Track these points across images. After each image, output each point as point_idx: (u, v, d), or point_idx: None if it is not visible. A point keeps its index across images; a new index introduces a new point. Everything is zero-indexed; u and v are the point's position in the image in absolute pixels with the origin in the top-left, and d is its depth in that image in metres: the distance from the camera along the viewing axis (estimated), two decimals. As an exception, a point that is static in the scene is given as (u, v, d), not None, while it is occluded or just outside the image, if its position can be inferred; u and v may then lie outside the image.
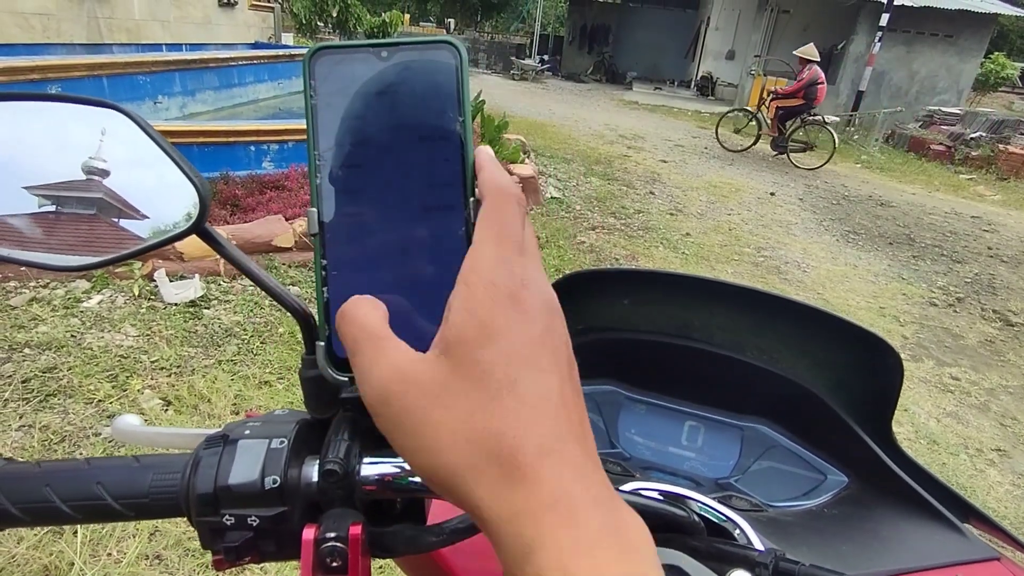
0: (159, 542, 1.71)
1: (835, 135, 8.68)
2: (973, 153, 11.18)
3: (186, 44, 7.73)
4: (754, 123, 9.51)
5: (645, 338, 0.73)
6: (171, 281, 2.95)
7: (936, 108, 13.83)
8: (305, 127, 0.34)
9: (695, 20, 20.34)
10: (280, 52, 8.63)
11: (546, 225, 4.86)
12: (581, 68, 21.39)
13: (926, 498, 0.60)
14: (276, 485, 0.33)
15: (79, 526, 1.69)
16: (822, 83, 8.64)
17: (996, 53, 17.46)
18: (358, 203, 0.34)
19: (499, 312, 0.25)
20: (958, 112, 13.32)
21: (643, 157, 8.41)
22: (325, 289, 0.34)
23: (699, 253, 4.88)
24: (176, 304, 2.87)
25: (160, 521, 1.75)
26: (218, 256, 2.62)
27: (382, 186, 0.34)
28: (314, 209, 0.34)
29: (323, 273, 0.34)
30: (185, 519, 0.34)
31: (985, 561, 0.55)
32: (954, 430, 2.94)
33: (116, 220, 0.40)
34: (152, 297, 2.91)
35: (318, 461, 0.35)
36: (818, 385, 0.67)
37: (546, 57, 21.54)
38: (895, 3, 13.05)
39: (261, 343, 2.72)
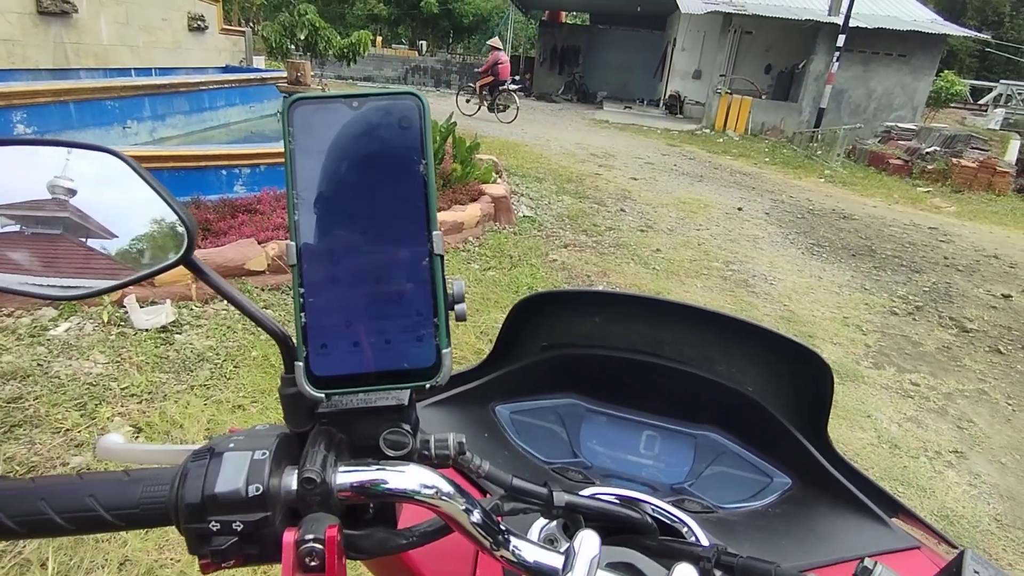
0: (129, 571, 1.69)
1: (517, 100, 12.74)
2: (929, 167, 11.62)
3: (156, 68, 7.70)
4: (477, 97, 13.35)
5: (604, 353, 0.78)
6: (142, 307, 2.93)
7: (893, 124, 14.37)
8: (283, 161, 0.39)
9: (662, 41, 20.89)
10: (251, 75, 8.64)
11: (519, 244, 4.92)
12: (552, 88, 21.73)
13: (857, 496, 0.66)
14: (259, 492, 0.36)
15: (49, 549, 1.67)
16: (502, 63, 12.50)
17: (946, 71, 18.26)
18: (332, 236, 0.39)
19: None
20: (914, 128, 13.86)
21: (614, 175, 8.58)
22: (303, 314, 0.39)
23: (669, 269, 4.99)
24: (147, 330, 2.85)
25: (131, 551, 1.73)
26: (190, 281, 2.66)
27: (353, 221, 0.40)
28: (292, 243, 0.39)
29: (301, 300, 0.39)
30: (173, 527, 0.37)
31: (907, 550, 0.61)
32: (914, 434, 3.05)
33: (110, 253, 0.44)
34: (122, 324, 2.89)
35: (297, 470, 0.38)
36: (762, 395, 0.73)
37: (517, 77, 21.84)
38: (851, 25, 13.61)
39: (234, 367, 2.71)
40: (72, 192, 0.42)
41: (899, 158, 12.27)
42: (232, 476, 0.36)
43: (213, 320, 3.04)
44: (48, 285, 0.43)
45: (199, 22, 8.75)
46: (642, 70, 21.86)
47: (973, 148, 12.15)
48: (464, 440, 0.42)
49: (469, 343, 3.16)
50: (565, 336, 0.79)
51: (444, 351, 0.40)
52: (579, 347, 0.79)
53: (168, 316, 2.93)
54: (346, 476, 0.38)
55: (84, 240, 0.43)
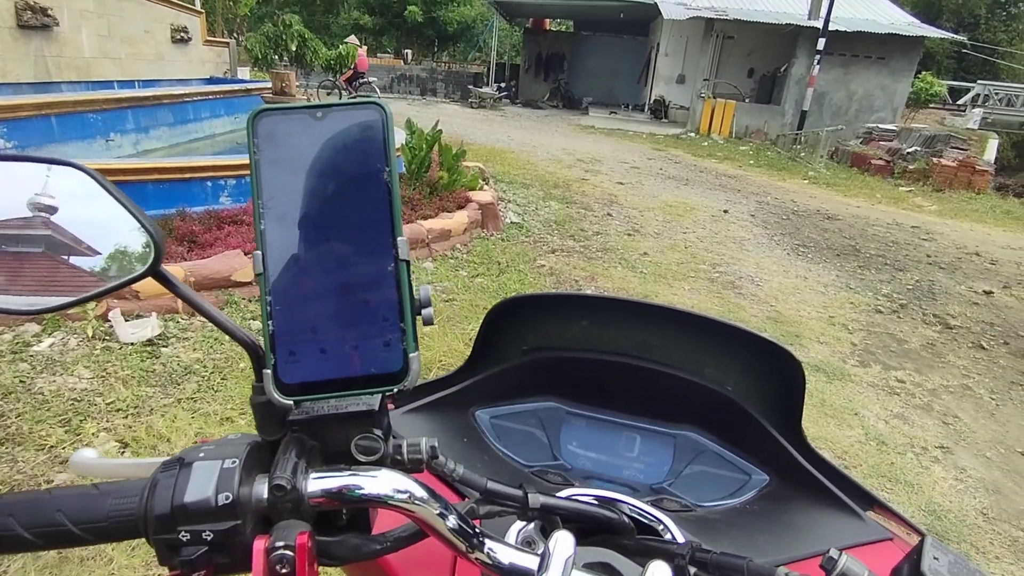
0: (118, 588, 1.67)
1: (377, 89, 14.81)
2: (910, 167, 11.80)
3: (139, 81, 7.66)
4: (336, 92, 14.41)
5: (583, 356, 0.79)
6: (127, 321, 2.90)
7: (874, 125, 14.60)
8: (250, 178, 0.40)
9: (646, 46, 21.08)
10: (236, 87, 8.62)
11: (506, 250, 4.93)
12: (538, 95, 21.84)
13: (832, 490, 0.67)
14: (228, 501, 0.35)
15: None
16: (359, 57, 14.17)
17: (925, 72, 18.57)
18: (298, 245, 0.40)
19: None
20: (894, 128, 14.08)
21: (600, 180, 8.63)
22: (270, 322, 0.40)
23: (657, 272, 5.02)
24: (132, 344, 2.82)
25: (117, 567, 1.71)
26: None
27: (319, 229, 0.40)
28: (259, 252, 0.40)
29: (268, 308, 0.40)
30: (143, 540, 0.37)
31: (880, 542, 0.62)
32: (901, 430, 3.09)
33: (78, 266, 0.44)
34: (107, 338, 2.86)
35: (268, 477, 0.38)
36: (739, 393, 0.74)
37: (503, 85, 21.95)
38: (830, 28, 13.81)
39: (222, 379, 2.69)
40: (53, 209, 0.43)
41: (881, 158, 12.45)
42: (202, 485, 0.36)
43: (200, 332, 3.02)
44: (14, 300, 0.43)
45: (182, 34, 8.72)
46: (626, 76, 22.04)
47: (953, 148, 12.36)
48: (436, 444, 0.42)
49: (458, 350, 3.16)
50: (544, 339, 0.79)
51: (411, 355, 0.40)
52: (558, 350, 0.79)
53: (154, 329, 2.90)
54: (318, 483, 0.38)
55: (56, 255, 0.43)
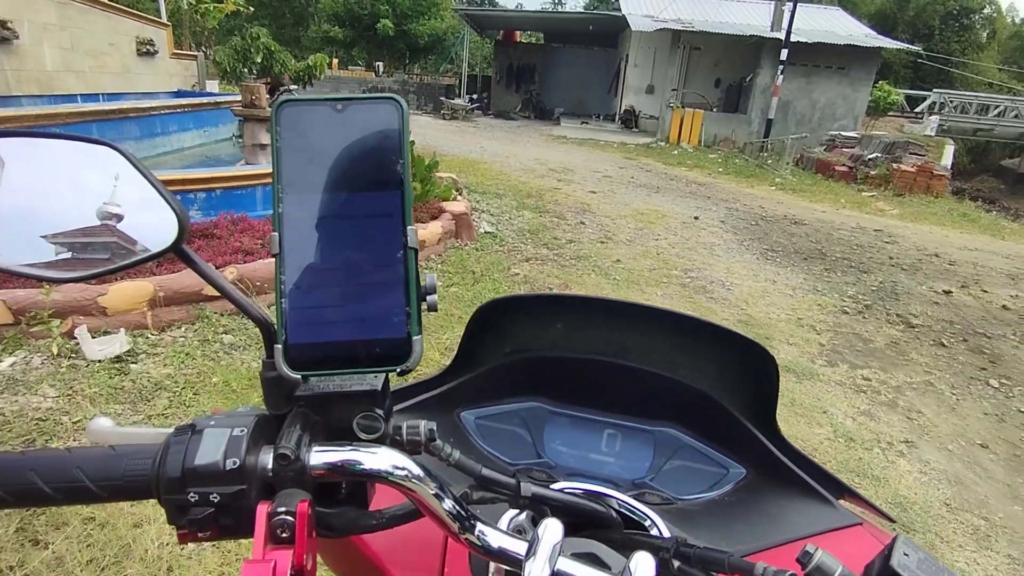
0: (88, 609, 1.63)
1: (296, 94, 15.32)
2: (872, 172, 12.18)
3: (103, 94, 7.52)
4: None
5: (565, 356, 0.81)
6: (94, 337, 2.84)
7: (837, 133, 15.05)
8: (271, 168, 0.42)
9: (615, 58, 21.42)
10: (205, 100, 8.51)
11: (480, 260, 4.95)
12: (510, 106, 22.00)
13: (805, 479, 0.70)
14: (236, 466, 0.38)
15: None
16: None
17: (883, 82, 19.23)
18: (313, 228, 0.42)
19: None
20: (856, 136, 14.53)
21: (573, 189, 8.72)
22: (284, 300, 0.42)
23: (629, 278, 5.09)
24: (100, 361, 2.76)
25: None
26: (145, 308, 2.58)
27: (333, 215, 0.42)
28: (276, 233, 0.42)
29: (282, 287, 0.42)
30: (155, 500, 0.38)
31: (850, 527, 0.65)
32: (868, 427, 3.18)
33: (110, 239, 0.46)
34: (73, 355, 2.79)
35: (273, 447, 0.40)
36: (715, 389, 0.76)
37: (475, 96, 22.06)
38: (792, 40, 14.24)
39: (194, 394, 2.64)
40: (119, 217, 0.46)
41: (844, 165, 12.82)
42: (211, 450, 0.38)
43: (171, 348, 2.97)
44: (48, 269, 0.45)
45: (148, 47, 8.59)
46: (597, 86, 22.34)
47: (912, 154, 12.80)
48: (435, 427, 0.44)
49: (434, 359, 3.16)
50: (527, 341, 0.81)
51: (415, 337, 0.42)
52: (540, 350, 0.81)
53: (122, 345, 2.84)
54: (320, 455, 0.40)
55: (95, 228, 0.46)
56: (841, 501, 0.69)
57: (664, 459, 0.76)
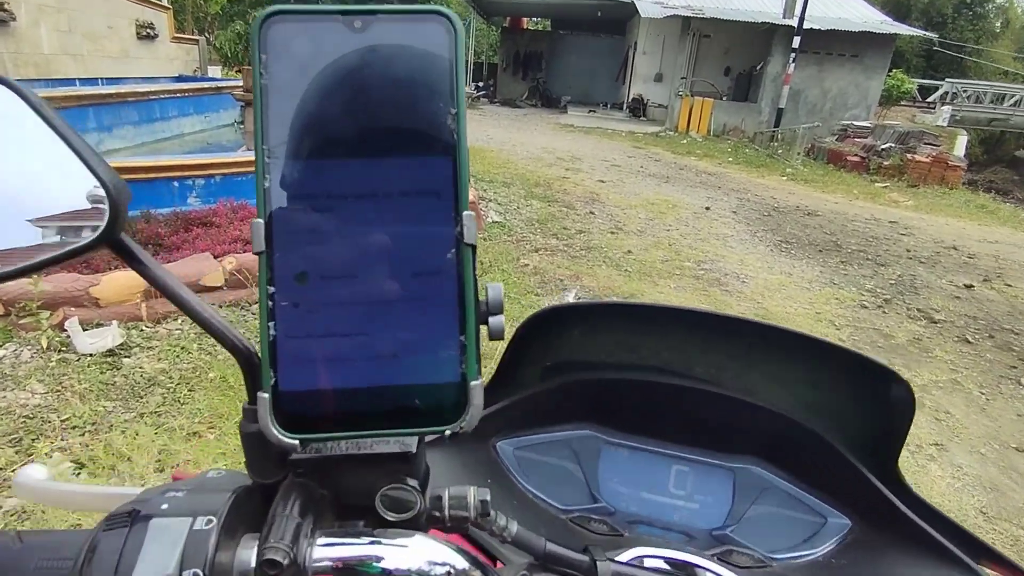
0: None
1: None
2: (885, 163, 11.95)
3: (102, 79, 7.37)
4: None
5: (623, 377, 0.67)
6: (85, 330, 2.71)
7: (849, 122, 14.78)
8: (252, 118, 0.26)
9: (624, 45, 21.12)
10: (206, 85, 8.36)
11: (489, 250, 4.81)
12: (516, 94, 21.74)
13: (937, 539, 0.56)
14: None
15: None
16: None
17: (896, 70, 18.89)
18: (317, 213, 0.26)
19: None
20: (868, 125, 14.27)
21: (581, 178, 8.55)
22: (271, 324, 0.26)
23: (641, 270, 4.94)
24: (91, 355, 2.64)
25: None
26: (139, 300, 2.36)
27: (349, 192, 0.27)
28: (260, 220, 0.26)
29: (269, 303, 0.26)
30: None
31: None
32: (895, 428, 3.03)
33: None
34: (64, 349, 2.67)
35: (257, 544, 0.26)
36: (814, 420, 0.63)
37: (481, 84, 21.83)
38: (805, 27, 13.94)
39: (189, 391, 2.52)
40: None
41: (856, 155, 12.59)
42: (159, 555, 0.24)
43: (166, 341, 2.84)
44: None
45: (148, 30, 8.43)
46: (605, 74, 22.05)
47: (925, 144, 12.54)
48: (488, 498, 0.31)
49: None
50: (578, 356, 0.68)
51: (473, 383, 0.27)
52: (594, 369, 0.68)
53: (115, 339, 2.72)
54: (327, 550, 0.27)
55: None
56: (979, 566, 0.55)
57: (747, 504, 0.63)
